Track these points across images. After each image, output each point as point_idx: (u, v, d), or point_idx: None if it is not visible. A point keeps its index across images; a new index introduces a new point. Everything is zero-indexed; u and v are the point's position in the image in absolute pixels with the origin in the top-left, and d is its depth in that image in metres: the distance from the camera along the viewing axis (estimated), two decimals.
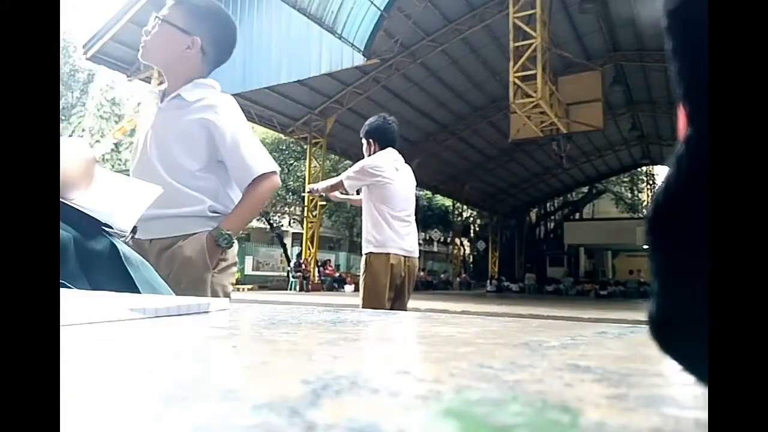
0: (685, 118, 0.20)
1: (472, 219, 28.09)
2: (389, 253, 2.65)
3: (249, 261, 18.35)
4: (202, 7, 1.56)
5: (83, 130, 20.72)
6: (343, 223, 25.40)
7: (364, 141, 2.89)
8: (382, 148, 2.82)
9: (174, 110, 1.50)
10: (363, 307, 2.56)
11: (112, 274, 0.84)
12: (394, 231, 2.68)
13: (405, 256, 2.72)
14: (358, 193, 2.88)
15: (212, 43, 1.56)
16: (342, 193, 2.98)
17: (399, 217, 2.72)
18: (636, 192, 29.28)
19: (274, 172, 1.54)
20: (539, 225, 29.46)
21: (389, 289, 2.64)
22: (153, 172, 1.43)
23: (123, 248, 0.87)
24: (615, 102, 16.63)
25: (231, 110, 1.54)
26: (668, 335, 0.22)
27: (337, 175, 3.53)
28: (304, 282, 15.84)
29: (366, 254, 2.70)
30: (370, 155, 2.85)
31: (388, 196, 2.69)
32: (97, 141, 19.13)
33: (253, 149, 1.52)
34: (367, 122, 2.91)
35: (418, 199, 2.96)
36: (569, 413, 0.23)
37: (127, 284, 0.83)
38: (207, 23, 1.54)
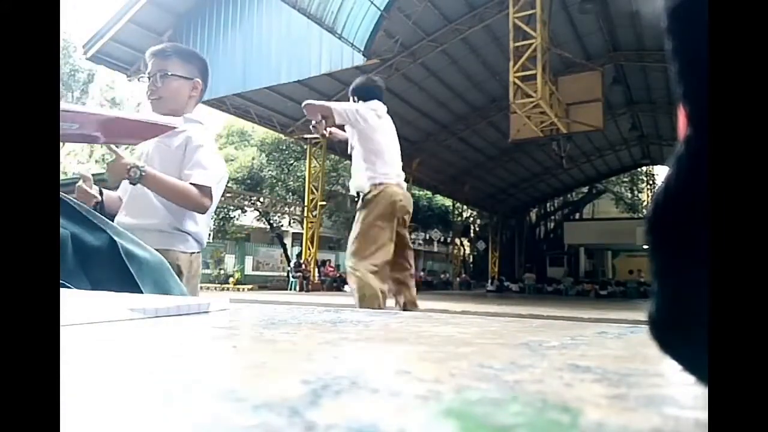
0: (685, 118, 0.20)
1: (472, 219, 28.08)
2: (389, 183, 2.93)
3: (249, 261, 18.36)
4: (190, 52, 1.88)
5: None
6: (343, 223, 25.40)
7: (350, 98, 3.16)
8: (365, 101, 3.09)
9: (163, 137, 1.70)
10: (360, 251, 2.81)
11: (112, 272, 0.83)
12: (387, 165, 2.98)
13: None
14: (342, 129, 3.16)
15: (204, 81, 1.89)
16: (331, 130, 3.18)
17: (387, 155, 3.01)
18: (636, 192, 29.28)
19: (206, 188, 1.71)
20: (539, 225, 29.46)
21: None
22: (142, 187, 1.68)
23: (126, 245, 0.86)
24: (615, 102, 16.63)
25: (204, 137, 1.82)
26: (668, 335, 0.22)
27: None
28: (304, 282, 15.84)
29: (367, 190, 2.93)
30: None
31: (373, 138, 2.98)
32: None
33: (205, 164, 1.73)
34: (354, 83, 3.21)
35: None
36: (569, 413, 0.23)
37: (128, 282, 0.83)
38: (198, 65, 1.85)
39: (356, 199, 3.05)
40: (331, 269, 18.58)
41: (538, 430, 0.21)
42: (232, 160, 21.03)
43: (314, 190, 16.50)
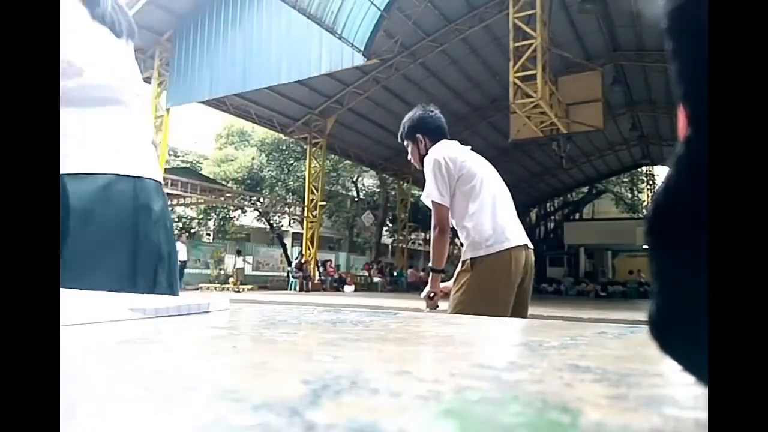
0: (685, 118, 0.20)
1: None
2: (502, 250, 2.13)
3: (249, 261, 18.37)
4: None
5: None
6: (343, 223, 25.40)
7: (409, 143, 2.41)
8: (433, 141, 2.35)
9: None
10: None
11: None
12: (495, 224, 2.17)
13: (521, 245, 2.20)
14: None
15: None
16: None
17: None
18: (636, 192, 29.29)
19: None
20: (539, 225, 29.45)
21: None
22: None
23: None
24: (615, 102, 16.64)
25: None
26: (668, 335, 0.22)
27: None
28: (305, 282, 15.85)
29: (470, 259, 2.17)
30: (422, 154, 2.34)
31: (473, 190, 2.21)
32: None
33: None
34: (405, 119, 2.44)
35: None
36: (569, 413, 0.23)
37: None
38: None
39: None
40: (332, 269, 18.57)
41: (538, 430, 0.21)
42: (232, 160, 21.05)
43: (314, 190, 16.51)
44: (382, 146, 17.56)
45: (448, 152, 2.25)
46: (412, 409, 0.23)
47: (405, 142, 2.43)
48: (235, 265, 16.98)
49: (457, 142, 2.38)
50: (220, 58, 12.73)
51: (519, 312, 2.20)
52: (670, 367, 0.24)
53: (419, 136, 2.36)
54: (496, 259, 2.13)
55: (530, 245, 2.28)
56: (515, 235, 2.20)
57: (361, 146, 17.54)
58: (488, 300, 2.09)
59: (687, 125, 0.20)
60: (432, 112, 2.41)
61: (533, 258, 2.29)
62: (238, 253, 16.96)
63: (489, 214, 2.19)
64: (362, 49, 11.78)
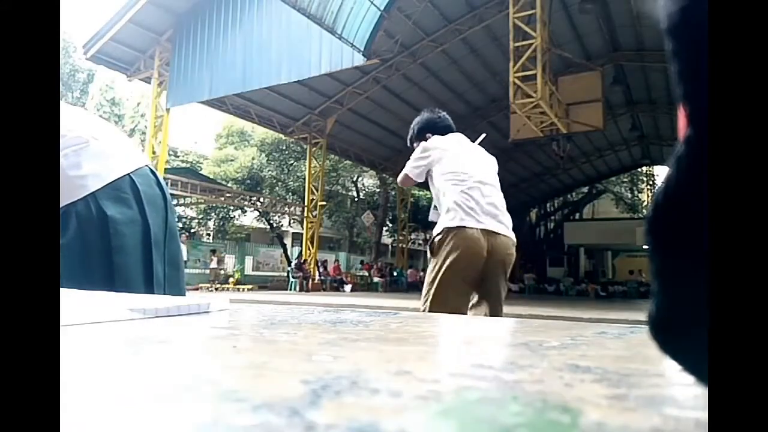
0: (685, 118, 0.20)
1: None
2: (463, 227, 2.23)
3: (249, 261, 18.35)
4: None
5: None
6: (343, 223, 25.40)
7: (418, 144, 2.54)
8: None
9: None
10: (431, 301, 2.26)
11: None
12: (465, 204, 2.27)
13: (485, 230, 2.27)
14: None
15: None
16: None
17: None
18: (636, 192, 29.27)
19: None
20: (539, 225, 29.43)
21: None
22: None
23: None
24: (615, 102, 16.63)
25: None
26: (668, 335, 0.22)
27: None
28: (304, 282, 15.84)
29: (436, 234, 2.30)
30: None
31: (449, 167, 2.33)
32: None
33: None
34: (414, 122, 2.63)
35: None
36: (569, 413, 0.23)
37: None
38: None
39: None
40: (337, 270, 18.51)
41: (538, 430, 0.21)
42: (232, 160, 21.05)
43: (314, 190, 16.51)
44: (382, 146, 17.55)
45: (432, 142, 2.43)
46: (412, 409, 0.23)
47: (414, 144, 2.59)
48: (211, 263, 16.56)
49: (459, 135, 2.53)
50: (220, 58, 12.72)
51: (487, 293, 2.38)
52: (670, 367, 0.24)
53: (429, 135, 2.52)
54: (449, 234, 2.26)
55: (502, 231, 2.38)
56: (478, 218, 2.30)
57: (361, 146, 17.53)
58: (440, 268, 2.25)
59: (687, 125, 0.20)
60: (440, 114, 2.62)
61: (507, 244, 2.41)
62: (212, 252, 16.62)
63: (453, 198, 2.30)
64: (362, 49, 11.76)
